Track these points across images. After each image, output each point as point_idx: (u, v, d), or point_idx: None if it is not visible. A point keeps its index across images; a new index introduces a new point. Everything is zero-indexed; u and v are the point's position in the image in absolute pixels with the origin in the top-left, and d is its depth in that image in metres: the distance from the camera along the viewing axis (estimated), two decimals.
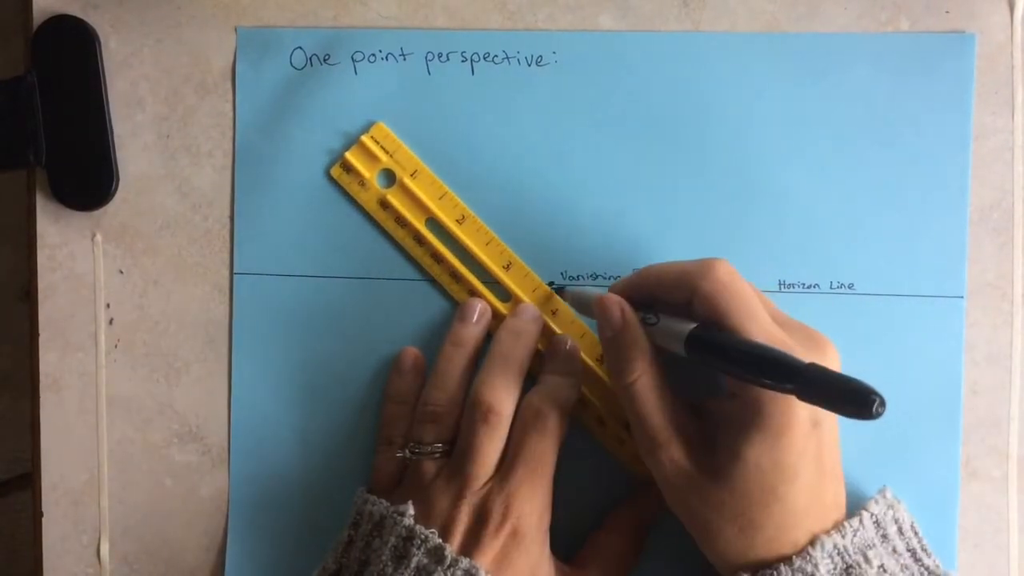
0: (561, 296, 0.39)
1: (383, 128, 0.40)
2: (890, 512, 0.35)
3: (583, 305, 0.38)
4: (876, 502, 0.35)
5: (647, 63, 0.40)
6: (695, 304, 0.33)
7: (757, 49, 0.39)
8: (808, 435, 0.31)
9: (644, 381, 0.34)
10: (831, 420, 0.33)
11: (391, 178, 0.40)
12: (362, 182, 0.40)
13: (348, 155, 0.40)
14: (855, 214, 0.39)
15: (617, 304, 0.35)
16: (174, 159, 0.41)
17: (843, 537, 0.32)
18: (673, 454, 0.33)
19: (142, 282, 0.41)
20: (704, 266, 0.33)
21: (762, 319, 0.32)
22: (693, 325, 0.33)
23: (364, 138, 0.40)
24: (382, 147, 0.40)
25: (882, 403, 0.26)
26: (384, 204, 0.40)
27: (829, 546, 0.32)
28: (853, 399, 0.26)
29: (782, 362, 0.29)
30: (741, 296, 0.33)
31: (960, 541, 0.39)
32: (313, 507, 0.40)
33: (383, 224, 0.40)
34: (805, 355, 0.30)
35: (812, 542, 0.32)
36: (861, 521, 0.34)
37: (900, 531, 0.35)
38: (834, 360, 0.33)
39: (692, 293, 0.33)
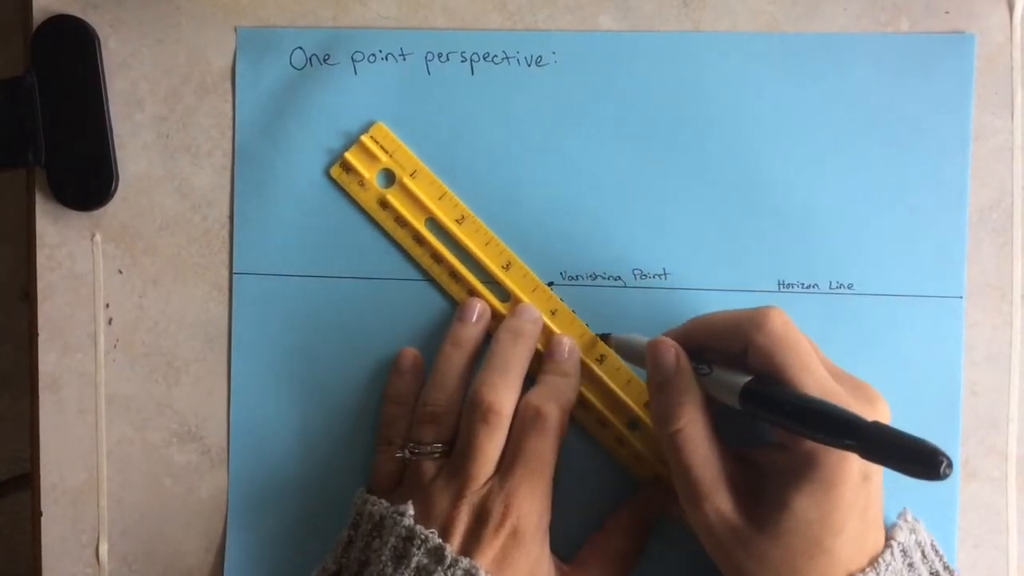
0: (606, 342, 0.39)
1: (383, 128, 0.40)
2: (913, 536, 0.35)
3: (630, 351, 0.38)
4: (900, 528, 0.35)
5: (647, 63, 0.40)
6: (750, 355, 0.33)
7: (757, 49, 0.39)
8: (858, 489, 0.31)
9: (692, 429, 0.33)
10: (879, 474, 0.33)
11: (391, 178, 0.40)
12: (362, 182, 0.40)
13: (348, 155, 0.40)
14: (855, 214, 0.39)
15: (672, 348, 0.34)
16: (174, 159, 0.41)
17: (878, 574, 0.32)
18: (718, 505, 0.32)
19: (141, 282, 0.41)
20: (759, 316, 0.33)
21: (818, 373, 0.32)
22: (748, 378, 0.32)
23: (364, 138, 0.40)
24: (382, 147, 0.40)
25: (949, 464, 0.25)
26: (384, 204, 0.40)
27: None
28: (920, 460, 0.26)
29: (844, 419, 0.29)
30: (797, 348, 0.32)
31: (960, 541, 0.39)
32: (312, 507, 0.40)
33: (383, 224, 0.40)
34: (857, 408, 0.30)
35: None
36: (892, 553, 0.33)
37: (924, 555, 0.35)
38: (885, 412, 0.33)
39: (746, 344, 0.33)
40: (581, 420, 0.39)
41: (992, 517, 0.39)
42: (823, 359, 0.34)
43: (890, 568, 0.33)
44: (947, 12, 0.39)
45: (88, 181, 0.41)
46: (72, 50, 0.41)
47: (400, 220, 0.40)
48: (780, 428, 0.32)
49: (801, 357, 0.32)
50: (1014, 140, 0.39)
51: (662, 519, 0.39)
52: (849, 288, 0.39)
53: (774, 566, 0.31)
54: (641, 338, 0.37)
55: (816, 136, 0.39)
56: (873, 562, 0.32)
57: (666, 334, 0.36)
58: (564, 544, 0.38)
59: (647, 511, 0.38)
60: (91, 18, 0.41)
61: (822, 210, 0.39)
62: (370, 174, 0.40)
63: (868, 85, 0.39)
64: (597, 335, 0.39)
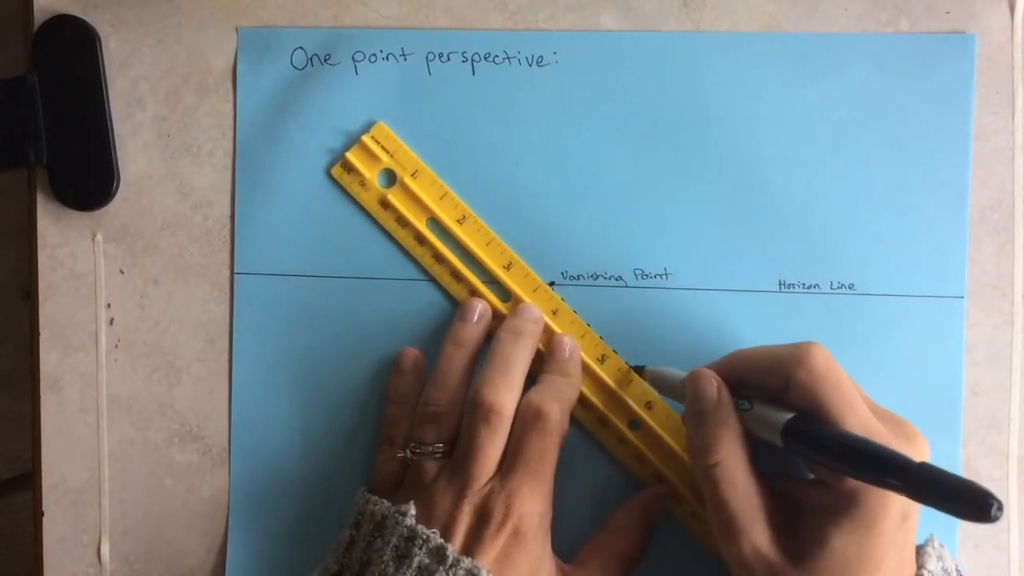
0: (640, 375, 0.39)
1: (384, 128, 0.40)
2: (940, 563, 0.34)
3: (665, 384, 0.38)
4: (929, 556, 0.34)
5: (648, 63, 0.40)
6: (791, 392, 0.32)
7: (757, 49, 0.39)
8: (898, 527, 0.31)
9: (731, 462, 0.33)
10: (918, 512, 0.32)
11: (392, 178, 0.40)
12: (363, 182, 0.40)
13: (349, 155, 0.40)
14: (855, 214, 0.39)
15: (714, 379, 0.34)
16: (174, 159, 0.41)
17: None
18: (755, 540, 0.32)
19: (142, 282, 0.41)
20: (800, 352, 0.32)
21: (861, 411, 0.32)
22: (789, 415, 0.32)
23: (365, 138, 0.40)
24: (383, 147, 0.40)
25: (1000, 507, 0.25)
26: (385, 204, 0.40)
27: None
28: (969, 502, 0.26)
29: (891, 460, 0.29)
30: (840, 386, 0.32)
31: (960, 541, 0.39)
32: (313, 507, 0.40)
33: (384, 224, 0.40)
34: (898, 447, 0.30)
35: None
36: None
37: None
38: (925, 450, 0.33)
39: (788, 380, 0.32)
40: (582, 420, 0.39)
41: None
42: (864, 396, 0.34)
43: None
44: (948, 12, 0.39)
45: (89, 181, 0.41)
46: (73, 50, 0.41)
47: (401, 220, 0.40)
48: (823, 466, 0.32)
49: (844, 395, 0.32)
50: (1015, 140, 0.39)
51: (664, 519, 0.39)
52: (850, 288, 0.39)
53: None
54: (677, 371, 0.37)
55: (817, 136, 0.39)
56: None
57: (706, 367, 0.36)
58: (565, 543, 0.38)
59: (649, 511, 0.38)
60: (92, 18, 0.41)
61: (823, 210, 0.39)
62: (371, 174, 0.40)
63: (869, 85, 0.39)
64: (631, 367, 0.39)
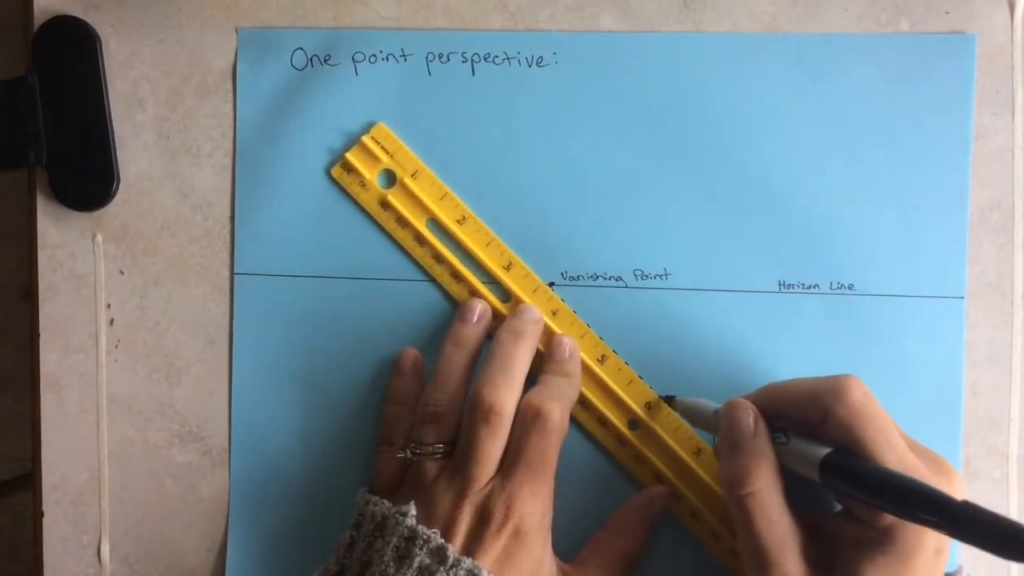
0: (671, 405, 0.39)
1: (384, 129, 0.40)
2: None
3: (696, 415, 0.37)
4: None
5: (648, 64, 0.40)
6: (829, 426, 0.32)
7: (757, 50, 0.39)
8: (930, 563, 0.31)
9: (765, 493, 0.32)
10: (950, 547, 0.32)
11: (392, 179, 0.40)
12: (363, 183, 0.40)
13: (349, 155, 0.40)
14: (855, 214, 0.39)
15: (751, 410, 0.34)
16: (175, 159, 0.41)
17: None
18: (787, 572, 0.32)
19: (142, 282, 0.41)
20: (838, 386, 0.32)
21: (899, 447, 0.32)
22: (827, 450, 0.32)
23: (365, 139, 0.40)
24: (383, 148, 0.40)
25: None
26: (385, 204, 0.40)
27: None
28: (1012, 541, 0.26)
29: (932, 497, 0.29)
30: (878, 422, 0.32)
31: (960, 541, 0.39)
32: (313, 507, 0.40)
33: (384, 225, 0.40)
34: (934, 483, 0.30)
35: None
36: None
37: None
38: (960, 487, 0.33)
39: (826, 415, 0.32)
40: (582, 420, 0.39)
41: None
42: (900, 431, 0.34)
43: None
44: (948, 12, 0.39)
45: (89, 181, 0.41)
46: (73, 51, 0.41)
47: (401, 220, 0.40)
48: (860, 502, 0.32)
49: (882, 430, 0.32)
50: (1015, 140, 0.39)
51: (664, 519, 0.39)
52: (850, 288, 0.39)
53: None
54: (708, 402, 0.37)
55: (817, 136, 0.39)
56: None
57: (741, 398, 0.35)
58: (565, 544, 0.38)
59: (649, 511, 0.38)
60: (92, 19, 0.41)
61: (823, 210, 0.39)
62: (371, 175, 0.40)
63: (869, 85, 0.39)
64: (661, 397, 0.39)
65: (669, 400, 0.39)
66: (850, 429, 0.32)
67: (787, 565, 0.32)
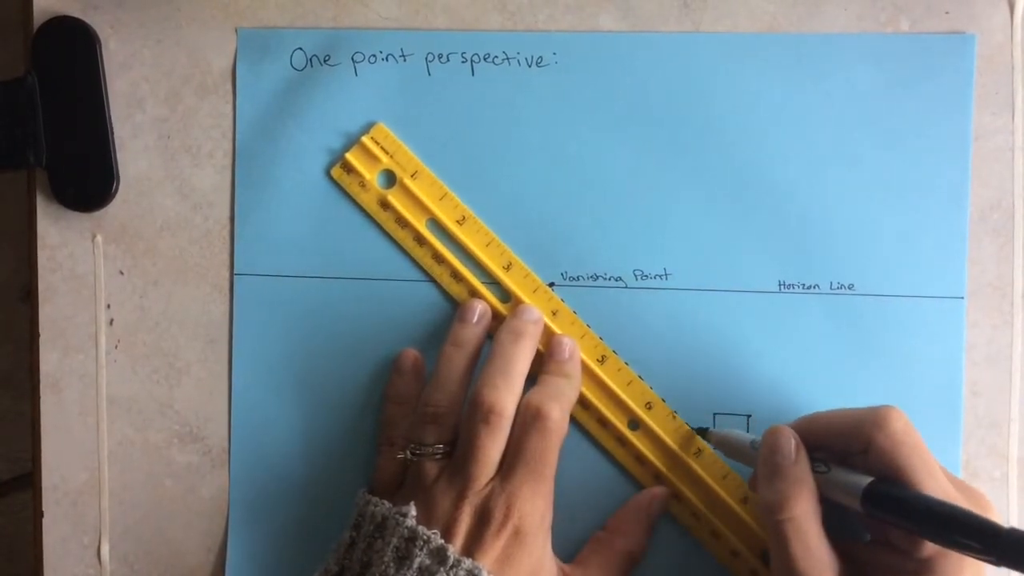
0: (705, 438, 0.38)
1: (383, 129, 0.40)
2: None
3: (732, 447, 0.37)
4: None
5: (647, 64, 0.40)
6: (871, 455, 0.32)
7: (757, 50, 0.39)
8: None
9: (805, 520, 0.32)
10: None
11: (391, 179, 0.40)
12: (362, 183, 0.40)
13: (348, 156, 0.40)
14: (855, 214, 0.39)
15: (792, 437, 0.34)
16: (174, 160, 0.41)
17: None
18: None
19: (142, 283, 0.41)
20: (880, 417, 0.33)
21: (939, 477, 0.32)
22: (869, 479, 0.32)
23: (364, 139, 0.40)
24: (382, 148, 0.40)
25: None
26: (384, 205, 0.40)
27: None
28: None
29: (977, 525, 0.29)
30: (919, 451, 0.32)
31: None
32: (313, 507, 0.40)
33: (384, 225, 0.40)
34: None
35: None
36: None
37: None
38: (995, 520, 0.32)
39: (867, 444, 0.32)
40: (582, 420, 0.39)
41: (993, 518, 0.39)
42: (939, 464, 0.34)
43: None
44: (947, 12, 0.39)
45: (89, 182, 0.41)
46: (73, 51, 0.41)
47: (401, 221, 0.40)
48: (904, 531, 0.32)
49: (925, 461, 0.32)
50: (1014, 140, 0.39)
51: (664, 519, 0.39)
52: (850, 288, 0.39)
53: None
54: (743, 433, 0.37)
55: (817, 136, 0.39)
56: None
57: (783, 425, 0.36)
58: (565, 544, 0.38)
59: (650, 512, 0.38)
60: (92, 19, 0.41)
61: (823, 210, 0.39)
62: (371, 175, 0.40)
63: (868, 85, 0.39)
64: (694, 429, 0.39)
65: (702, 432, 0.39)
66: (893, 458, 0.32)
67: None
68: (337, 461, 0.40)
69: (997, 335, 0.39)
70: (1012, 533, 0.28)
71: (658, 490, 0.39)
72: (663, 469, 0.39)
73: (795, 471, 0.33)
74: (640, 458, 0.39)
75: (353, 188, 0.40)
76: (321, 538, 0.40)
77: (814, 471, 0.34)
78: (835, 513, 0.33)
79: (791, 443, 0.34)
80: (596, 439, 0.39)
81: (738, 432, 0.37)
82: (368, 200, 0.40)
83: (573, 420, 0.39)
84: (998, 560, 0.28)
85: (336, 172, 0.40)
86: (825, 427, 0.35)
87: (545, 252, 0.40)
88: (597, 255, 0.40)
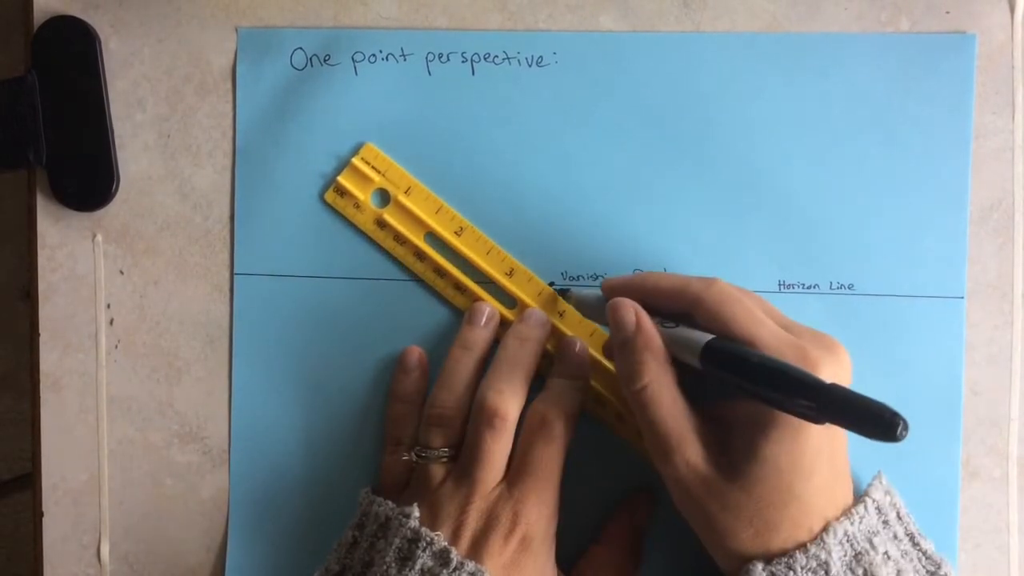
0: (565, 298, 0.39)
1: (373, 148, 0.40)
2: (888, 498, 0.35)
3: (588, 308, 0.38)
4: (875, 488, 0.35)
5: (647, 63, 0.40)
6: (698, 314, 0.33)
7: (757, 49, 0.39)
8: (823, 433, 0.31)
9: (656, 385, 0.33)
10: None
11: (386, 198, 0.40)
12: (357, 204, 0.40)
13: (340, 179, 0.40)
14: (855, 214, 0.39)
15: (631, 307, 0.34)
16: (174, 159, 0.41)
17: (852, 524, 0.32)
18: (688, 457, 0.33)
19: (142, 282, 0.41)
20: (705, 279, 0.34)
21: (770, 324, 0.32)
22: (710, 337, 0.32)
23: (355, 160, 0.40)
24: (373, 167, 0.40)
25: (905, 426, 0.26)
26: (381, 224, 0.40)
27: (840, 533, 0.32)
28: (877, 422, 0.26)
29: (804, 381, 0.29)
30: (745, 304, 0.33)
31: (960, 541, 0.39)
32: (313, 507, 0.40)
33: (382, 244, 0.40)
34: (818, 356, 0.30)
35: (825, 528, 0.32)
36: (866, 508, 0.33)
37: (899, 516, 0.35)
38: (846, 363, 0.33)
39: (694, 303, 0.33)
40: (600, 417, 0.39)
41: (993, 517, 0.39)
42: (778, 316, 0.34)
43: (864, 521, 0.33)
44: (948, 12, 0.39)
45: (89, 181, 0.41)
46: (73, 50, 0.41)
47: (399, 238, 0.40)
48: (740, 390, 0.32)
49: (750, 311, 0.32)
50: (1015, 140, 0.39)
51: (660, 529, 0.39)
52: (850, 288, 0.39)
53: (747, 516, 0.32)
54: (597, 293, 0.37)
55: (817, 136, 0.39)
56: (847, 512, 0.33)
57: (609, 281, 0.37)
58: (568, 546, 0.38)
59: (634, 519, 0.39)
60: (92, 18, 0.41)
61: (823, 210, 0.39)
62: (364, 196, 0.40)
63: (869, 85, 0.39)
64: (556, 290, 0.39)
65: (563, 293, 0.39)
66: (720, 312, 0.32)
67: (687, 450, 0.33)
68: (337, 460, 0.40)
69: (997, 335, 0.39)
70: (833, 388, 0.28)
71: (640, 496, 0.39)
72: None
73: (640, 340, 0.34)
74: None
75: (348, 210, 0.40)
76: (321, 537, 0.40)
77: (662, 326, 0.34)
78: (697, 374, 0.33)
79: (631, 314, 0.34)
80: (615, 434, 0.39)
81: (593, 291, 0.38)
82: (364, 221, 0.40)
83: (591, 417, 0.39)
84: (820, 415, 0.28)
85: (330, 196, 0.40)
86: (653, 287, 0.35)
87: (545, 252, 0.40)
88: (597, 255, 0.40)
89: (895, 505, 0.35)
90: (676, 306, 0.34)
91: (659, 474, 0.34)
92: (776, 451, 0.31)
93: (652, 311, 0.35)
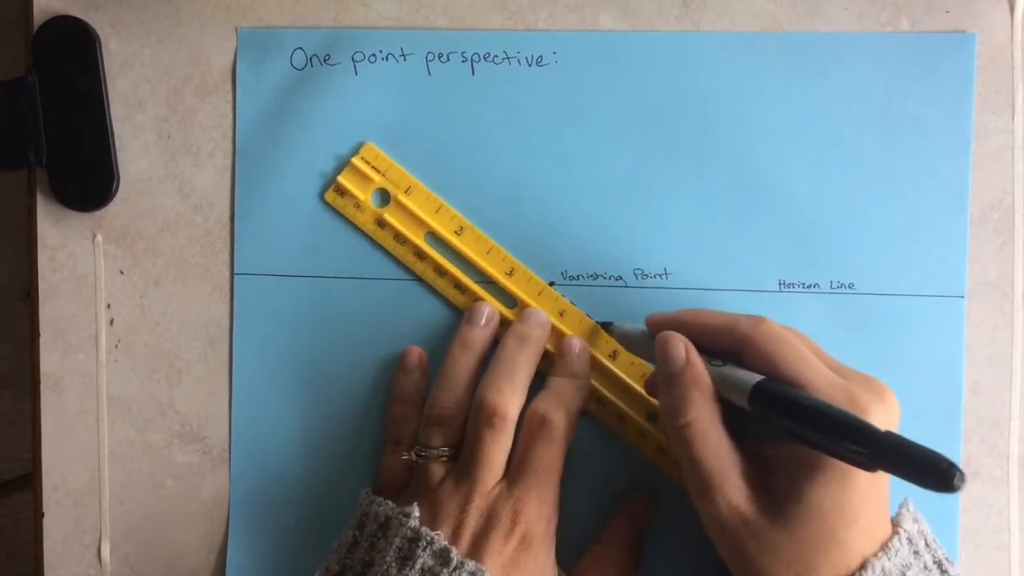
0: (607, 332, 0.39)
1: (373, 148, 0.40)
2: (916, 526, 0.34)
3: (631, 342, 0.38)
4: (904, 517, 0.34)
5: (647, 63, 0.40)
6: (746, 353, 0.33)
7: (757, 49, 0.39)
8: (870, 478, 0.31)
9: (702, 422, 0.33)
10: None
11: (386, 197, 0.40)
12: (357, 204, 0.40)
13: (340, 178, 0.40)
14: (855, 214, 0.39)
15: (681, 342, 0.34)
16: (175, 160, 0.41)
17: (888, 559, 0.32)
18: (729, 496, 0.32)
19: (143, 283, 0.41)
20: (753, 318, 0.33)
21: (819, 366, 0.32)
22: (759, 378, 0.32)
23: (355, 160, 0.40)
24: (373, 167, 0.40)
25: (962, 477, 0.25)
26: (381, 223, 0.40)
27: (877, 570, 0.31)
28: (933, 472, 0.26)
29: (857, 427, 0.28)
30: (795, 345, 0.32)
31: (960, 541, 0.39)
32: (314, 507, 0.40)
33: (382, 243, 0.40)
34: (867, 402, 0.30)
35: (863, 566, 0.31)
36: (899, 540, 0.33)
37: (927, 544, 0.34)
38: (894, 408, 0.32)
39: (743, 342, 0.33)
40: (601, 417, 0.39)
41: (994, 516, 0.39)
42: (826, 357, 0.34)
43: (899, 554, 0.32)
44: (948, 11, 0.39)
45: (89, 182, 0.41)
46: (73, 51, 0.41)
47: (399, 237, 0.40)
48: (787, 432, 0.32)
49: (800, 352, 0.32)
50: (1015, 139, 0.39)
51: (657, 526, 0.39)
52: (850, 288, 0.39)
53: (787, 558, 0.31)
54: (642, 328, 0.37)
55: (817, 136, 0.39)
56: (884, 546, 0.32)
57: (653, 317, 0.36)
58: (569, 546, 0.38)
59: (635, 519, 0.39)
60: (92, 19, 0.41)
61: (823, 210, 0.39)
62: (365, 195, 0.40)
63: (869, 85, 0.39)
64: (598, 324, 0.39)
65: (606, 327, 0.39)
66: (769, 352, 0.32)
67: (728, 489, 0.32)
68: (337, 460, 0.40)
69: (998, 334, 0.39)
70: (888, 436, 0.27)
71: (641, 496, 0.39)
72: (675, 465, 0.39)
73: (687, 375, 0.33)
74: (662, 448, 0.39)
75: (348, 210, 0.40)
76: (321, 537, 0.40)
77: (710, 364, 0.34)
78: (742, 412, 0.33)
79: (680, 348, 0.34)
80: (617, 434, 0.39)
81: (637, 326, 0.37)
82: (365, 220, 0.40)
83: (593, 418, 0.39)
84: (873, 463, 0.27)
85: (330, 196, 0.40)
86: (700, 324, 0.35)
87: (545, 251, 0.40)
88: (597, 254, 0.40)
89: (923, 533, 0.35)
90: (723, 344, 0.34)
91: (696, 510, 0.33)
92: (821, 495, 0.31)
93: (698, 348, 0.34)
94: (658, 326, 0.36)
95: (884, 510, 0.33)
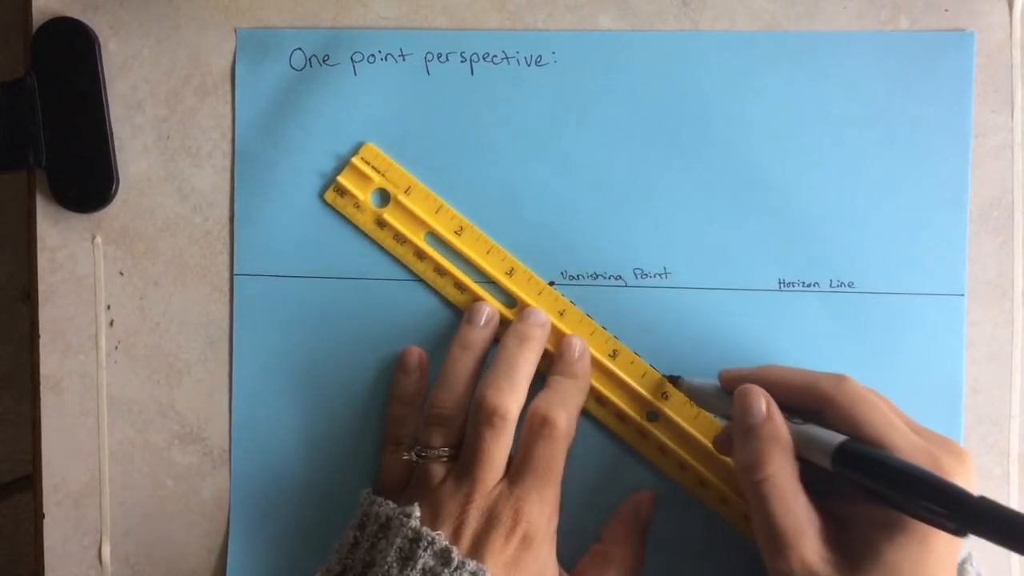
0: (676, 386, 0.39)
1: (372, 148, 0.40)
2: None
3: (702, 397, 0.37)
4: (967, 573, 0.34)
5: (647, 63, 0.40)
6: (828, 412, 0.33)
7: (757, 49, 0.39)
8: (948, 541, 0.31)
9: (780, 478, 0.32)
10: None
11: (386, 197, 0.40)
12: (357, 204, 0.40)
13: (340, 178, 0.40)
14: (855, 212, 0.39)
15: (762, 395, 0.34)
16: (174, 161, 0.41)
17: None
18: (804, 555, 0.32)
19: (142, 284, 0.41)
20: (835, 376, 0.33)
21: (902, 428, 0.32)
22: (843, 438, 0.31)
23: (354, 160, 0.40)
24: (373, 167, 0.40)
25: None
26: (381, 223, 0.40)
27: None
28: None
29: (949, 492, 0.28)
30: (878, 406, 0.32)
31: None
32: (314, 508, 0.40)
33: (382, 243, 0.40)
34: (950, 465, 0.30)
35: None
36: None
37: None
38: (973, 470, 0.32)
39: (825, 402, 0.33)
40: (601, 417, 0.39)
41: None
42: (906, 419, 0.34)
43: None
44: (947, 10, 0.39)
45: (89, 183, 0.41)
46: (72, 52, 0.41)
47: (399, 237, 0.40)
48: (874, 494, 0.31)
49: (883, 414, 0.32)
50: (1014, 138, 0.39)
51: (658, 526, 0.39)
52: (850, 286, 0.39)
53: None
54: (713, 382, 0.37)
55: (816, 135, 0.39)
56: None
57: (728, 373, 0.36)
58: (569, 546, 0.38)
59: (638, 519, 0.39)
60: (91, 20, 0.41)
61: (823, 208, 0.39)
62: (364, 195, 0.40)
63: (868, 83, 0.39)
64: (665, 377, 0.39)
65: (674, 381, 0.39)
66: (852, 413, 0.32)
67: (804, 548, 0.32)
68: (337, 461, 0.41)
69: (997, 332, 0.39)
70: (982, 502, 0.27)
71: (643, 495, 0.39)
72: (687, 457, 0.39)
73: (767, 430, 0.33)
74: (663, 449, 0.39)
75: (348, 210, 0.40)
76: (322, 538, 0.40)
77: (790, 421, 0.33)
78: (820, 470, 0.33)
79: (761, 402, 0.33)
80: (617, 435, 0.39)
81: (709, 381, 0.37)
82: (364, 220, 0.40)
83: (592, 418, 0.39)
84: (964, 527, 0.27)
85: (330, 196, 0.40)
86: (778, 381, 0.35)
87: (545, 251, 0.40)
88: (597, 254, 0.40)
89: None
90: (802, 402, 0.34)
91: (767, 567, 0.33)
92: (900, 556, 0.30)
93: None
94: (734, 381, 0.35)
95: (955, 570, 0.33)
